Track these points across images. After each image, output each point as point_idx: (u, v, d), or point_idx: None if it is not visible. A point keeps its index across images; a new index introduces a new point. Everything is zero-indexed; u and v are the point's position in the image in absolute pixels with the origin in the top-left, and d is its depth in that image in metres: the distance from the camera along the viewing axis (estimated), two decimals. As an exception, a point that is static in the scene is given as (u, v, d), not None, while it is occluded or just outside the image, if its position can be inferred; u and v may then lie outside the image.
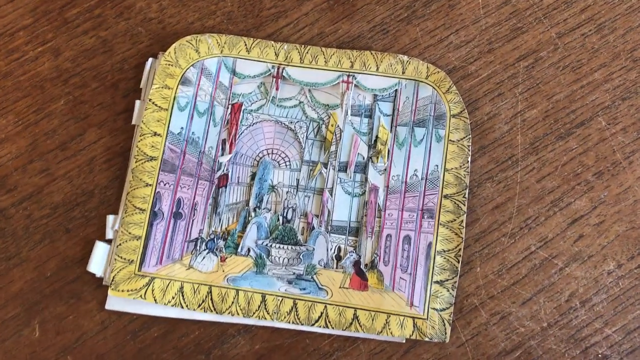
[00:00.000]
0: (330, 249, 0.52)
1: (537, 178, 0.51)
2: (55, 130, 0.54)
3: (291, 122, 0.55)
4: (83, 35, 0.55)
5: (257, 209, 0.54)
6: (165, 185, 0.52)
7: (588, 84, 0.52)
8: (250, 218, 0.53)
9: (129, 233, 0.52)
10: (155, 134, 0.53)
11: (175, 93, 0.54)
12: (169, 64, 0.54)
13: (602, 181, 0.49)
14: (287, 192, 0.54)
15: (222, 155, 0.54)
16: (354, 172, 0.54)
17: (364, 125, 0.55)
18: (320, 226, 0.53)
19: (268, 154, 0.55)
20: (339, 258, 0.52)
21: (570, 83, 0.52)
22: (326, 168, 0.54)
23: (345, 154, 0.54)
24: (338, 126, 0.55)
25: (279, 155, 0.55)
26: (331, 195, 0.54)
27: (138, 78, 0.55)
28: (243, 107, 0.55)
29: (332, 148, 0.54)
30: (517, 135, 0.52)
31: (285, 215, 0.54)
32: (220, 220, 0.53)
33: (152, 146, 0.53)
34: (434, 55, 0.55)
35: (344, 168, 0.54)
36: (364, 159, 0.54)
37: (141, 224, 0.52)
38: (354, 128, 0.55)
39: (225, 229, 0.53)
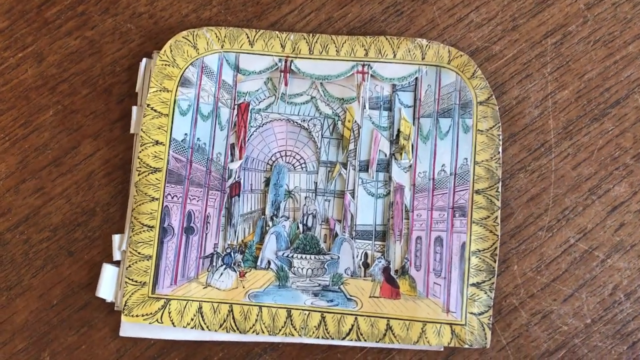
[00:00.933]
0: (357, 256, 0.50)
1: (572, 165, 0.49)
2: (46, 145, 0.51)
3: (304, 120, 0.52)
4: (67, 37, 0.51)
5: (274, 218, 0.51)
6: (173, 198, 0.49)
7: (622, 59, 0.49)
8: (267, 228, 0.51)
9: (138, 253, 0.49)
10: (157, 142, 0.50)
11: (175, 96, 0.50)
12: (165, 64, 0.50)
13: (641, 163, 0.51)
14: (305, 198, 0.51)
15: (232, 161, 0.51)
16: (377, 171, 0.51)
17: (383, 119, 0.52)
18: (344, 232, 0.50)
19: (281, 156, 0.52)
20: (366, 265, 0.50)
21: (603, 59, 0.49)
22: (346, 168, 0.51)
23: (366, 151, 0.51)
24: (355, 121, 0.51)
25: (294, 158, 0.52)
26: (353, 197, 0.51)
27: (132, 81, 0.52)
28: (250, 107, 0.52)
29: (351, 146, 0.51)
30: (548, 119, 0.49)
31: (305, 222, 0.51)
32: (235, 232, 0.51)
33: (155, 156, 0.49)
34: (454, 36, 0.51)
35: (365, 167, 0.51)
36: (386, 156, 0.51)
37: (150, 242, 0.49)
38: (373, 123, 0.51)
39: (242, 241, 0.51)
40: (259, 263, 0.50)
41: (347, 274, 0.50)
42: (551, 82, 0.49)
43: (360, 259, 0.50)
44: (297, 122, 0.52)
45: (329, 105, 0.52)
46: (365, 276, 0.50)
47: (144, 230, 0.49)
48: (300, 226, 0.51)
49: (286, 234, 0.51)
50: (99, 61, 0.51)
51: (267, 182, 0.52)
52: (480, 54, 0.51)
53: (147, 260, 0.48)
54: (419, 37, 0.51)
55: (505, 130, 0.51)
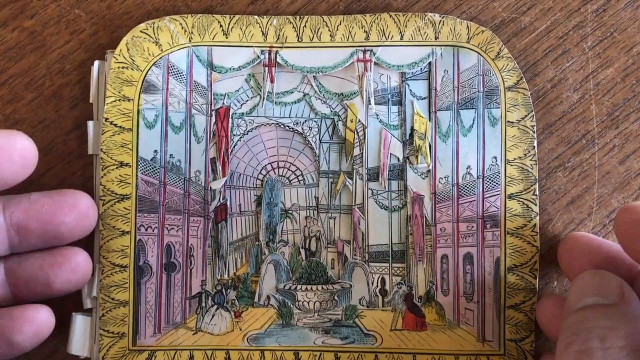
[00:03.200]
0: (372, 283, 0.44)
1: (619, 159, 0.42)
2: None
3: (297, 123, 0.45)
4: (1, 29, 0.43)
5: (270, 244, 0.45)
6: (147, 230, 0.43)
7: None
8: (263, 257, 0.44)
9: (112, 299, 0.43)
10: (121, 164, 0.43)
11: (139, 105, 0.43)
12: (122, 67, 0.43)
13: (702, 151, 0.48)
14: (305, 217, 0.45)
15: (215, 179, 0.44)
16: (389, 179, 0.44)
17: (393, 115, 0.45)
18: (355, 255, 0.44)
19: (273, 169, 0.45)
20: (384, 293, 0.44)
21: None
22: (352, 178, 0.45)
23: (374, 156, 0.44)
24: (359, 121, 0.45)
25: (288, 169, 0.45)
26: (363, 213, 0.45)
27: (86, 81, 0.44)
28: (231, 112, 0.44)
29: (356, 151, 0.44)
30: (590, 104, 0.43)
31: (307, 247, 0.45)
32: (225, 264, 0.44)
33: (121, 181, 0.43)
34: (473, 7, 0.44)
35: (374, 176, 0.45)
36: (399, 160, 0.45)
37: (125, 285, 0.43)
38: (380, 121, 0.44)
39: (234, 274, 0.44)
40: (256, 299, 0.44)
41: (363, 305, 0.44)
42: (593, 58, 0.42)
43: (377, 286, 0.44)
44: (288, 126, 0.45)
45: (326, 102, 0.45)
46: (384, 306, 0.44)
47: (115, 272, 0.42)
48: (302, 252, 0.45)
49: (286, 262, 0.44)
50: (43, 58, 0.44)
51: (258, 201, 0.45)
52: (507, 28, 0.44)
53: (123, 306, 0.43)
54: (431, 12, 0.43)
55: (538, 121, 0.44)
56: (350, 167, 0.45)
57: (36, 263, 0.40)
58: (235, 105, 0.45)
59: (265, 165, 0.45)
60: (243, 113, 0.45)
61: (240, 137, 0.44)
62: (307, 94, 0.45)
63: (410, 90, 0.44)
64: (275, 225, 0.45)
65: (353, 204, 0.45)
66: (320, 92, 0.44)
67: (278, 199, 0.44)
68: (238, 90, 0.44)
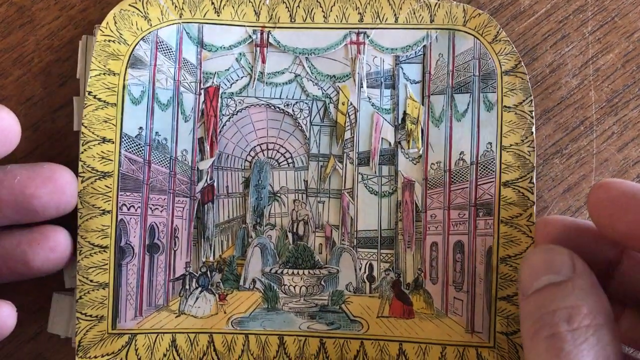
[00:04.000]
0: (360, 268, 0.41)
1: (618, 146, 0.40)
2: None
3: (287, 105, 0.41)
4: None
5: (257, 227, 0.41)
6: (129, 209, 0.39)
7: None
8: (250, 239, 0.41)
9: (90, 281, 0.39)
10: (104, 140, 0.39)
11: (124, 80, 0.39)
12: (109, 40, 0.39)
13: (701, 142, 0.42)
14: (294, 201, 0.42)
15: (202, 159, 0.41)
16: (380, 164, 0.41)
17: (385, 99, 0.41)
18: (344, 240, 0.41)
19: (262, 151, 0.42)
20: (372, 279, 0.41)
21: None
22: (342, 162, 0.42)
23: (365, 140, 0.41)
24: (351, 104, 0.41)
25: (278, 152, 0.42)
26: (352, 198, 0.41)
27: (75, 58, 0.41)
28: (221, 91, 0.41)
29: (347, 135, 0.41)
30: (589, 90, 0.40)
31: (295, 231, 0.41)
32: (211, 247, 0.41)
33: (103, 157, 0.39)
34: None
35: (365, 160, 0.42)
36: (390, 145, 0.42)
37: (105, 266, 0.39)
38: (372, 105, 0.41)
39: (220, 257, 0.41)
40: (241, 283, 0.41)
41: (350, 291, 0.41)
42: (593, 43, 0.40)
43: (365, 272, 0.41)
44: (279, 108, 0.42)
45: (318, 84, 0.42)
46: (371, 292, 0.41)
47: (95, 252, 0.39)
48: (290, 236, 0.41)
49: (273, 245, 0.41)
50: (32, 34, 0.42)
51: (246, 183, 0.42)
52: (506, 11, 0.41)
53: (103, 288, 0.39)
54: None
55: (536, 106, 0.41)
56: (341, 150, 0.42)
57: (14, 240, 0.37)
58: (225, 84, 0.42)
59: (255, 146, 0.42)
60: (233, 93, 0.42)
61: (230, 117, 0.41)
62: (299, 75, 0.41)
63: (404, 73, 0.41)
64: (263, 208, 0.42)
65: (343, 188, 0.42)
66: (312, 73, 0.41)
67: (266, 182, 0.42)
68: (228, 69, 0.41)
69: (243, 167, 0.42)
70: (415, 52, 0.41)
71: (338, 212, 0.42)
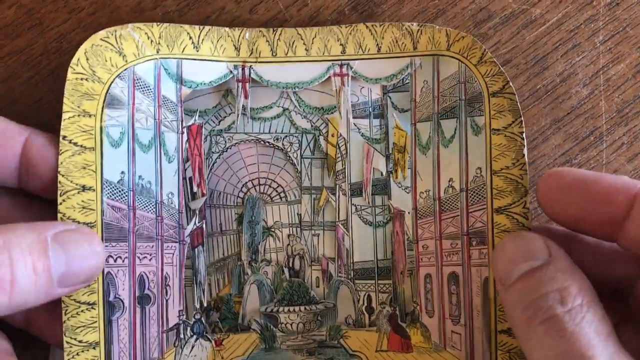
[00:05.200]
0: (358, 300, 0.38)
1: (627, 157, 0.38)
2: None
3: (277, 139, 0.39)
4: None
5: (253, 263, 0.38)
6: (116, 260, 0.34)
7: None
8: (246, 277, 0.38)
9: (79, 342, 0.33)
10: (84, 188, 0.33)
11: (102, 122, 0.34)
12: (82, 79, 0.34)
13: None
14: (288, 236, 0.39)
15: (194, 199, 0.37)
16: (373, 194, 0.39)
17: (375, 129, 0.38)
18: (340, 273, 0.38)
19: (254, 186, 0.39)
20: (371, 310, 0.38)
21: None
22: (334, 194, 0.39)
23: (357, 171, 0.39)
24: (341, 135, 0.38)
25: (270, 186, 0.39)
26: (347, 229, 0.38)
27: None
28: (209, 128, 0.38)
29: (338, 166, 0.39)
30: (599, 100, 0.38)
31: (291, 266, 0.38)
32: (204, 292, 0.37)
33: (84, 207, 0.33)
34: None
35: (358, 191, 0.39)
36: (382, 174, 0.39)
37: (94, 324, 0.33)
38: (362, 135, 0.38)
39: (217, 295, 0.37)
40: (240, 321, 0.37)
41: (349, 323, 0.38)
42: (604, 53, 0.39)
43: (363, 304, 0.38)
44: (269, 142, 0.39)
45: (307, 117, 0.39)
46: (368, 327, 0.38)
47: (82, 311, 0.33)
48: (286, 271, 0.38)
49: (269, 282, 0.38)
50: (41, 36, 0.39)
51: (239, 219, 0.39)
52: (517, 19, 0.39)
53: (93, 348, 0.33)
54: (411, 22, 0.38)
55: (546, 115, 0.39)
56: (333, 182, 0.39)
57: None
58: (214, 122, 0.38)
59: (246, 182, 0.39)
60: (222, 130, 0.38)
61: (220, 154, 0.38)
62: (287, 109, 0.39)
63: (392, 102, 0.39)
64: (258, 244, 0.39)
65: (337, 220, 0.39)
66: (300, 106, 0.39)
67: (260, 217, 0.39)
68: (216, 107, 0.38)
69: (235, 204, 0.39)
70: (402, 80, 0.38)
71: (333, 244, 0.39)
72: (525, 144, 0.36)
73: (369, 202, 0.39)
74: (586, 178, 0.30)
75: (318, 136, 0.39)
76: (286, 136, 0.39)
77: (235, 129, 0.38)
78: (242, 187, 0.39)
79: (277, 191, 0.40)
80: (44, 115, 0.38)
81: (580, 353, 0.27)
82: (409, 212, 0.38)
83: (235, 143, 0.39)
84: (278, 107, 0.39)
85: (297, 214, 0.40)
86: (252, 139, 0.39)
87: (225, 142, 0.39)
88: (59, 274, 0.29)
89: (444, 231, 0.37)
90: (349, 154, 0.39)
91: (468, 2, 0.39)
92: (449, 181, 0.37)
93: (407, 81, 0.38)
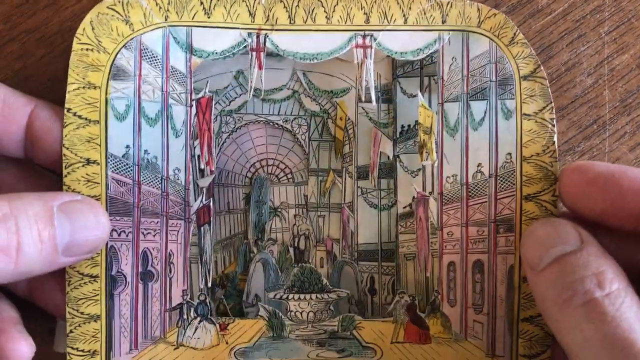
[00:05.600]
0: (361, 281, 0.37)
1: (630, 146, 0.38)
2: None
3: (286, 121, 0.38)
4: None
5: (259, 242, 0.37)
6: (120, 235, 0.33)
7: None
8: (252, 255, 0.37)
9: (81, 313, 0.32)
10: (88, 161, 0.32)
11: (107, 94, 0.32)
12: (87, 49, 0.32)
13: None
14: (294, 216, 0.38)
15: (203, 177, 0.36)
16: (378, 177, 0.38)
17: (382, 113, 0.37)
18: (345, 254, 0.37)
19: (262, 167, 0.38)
20: (373, 291, 0.37)
21: None
22: (341, 176, 0.38)
23: (364, 155, 0.38)
24: (349, 119, 0.37)
25: (277, 167, 0.39)
26: (352, 212, 0.38)
27: None
28: (220, 109, 0.36)
29: (345, 149, 0.37)
30: (603, 90, 0.38)
31: (296, 245, 0.37)
32: (209, 271, 0.35)
33: (88, 180, 0.32)
34: None
35: (364, 174, 0.37)
36: (389, 158, 0.37)
37: (96, 297, 0.32)
38: (370, 119, 0.37)
39: (223, 272, 0.37)
40: (244, 298, 0.36)
41: (352, 303, 0.37)
42: (609, 43, 0.38)
43: (367, 285, 0.37)
44: (278, 124, 0.38)
45: (316, 100, 0.37)
46: (373, 305, 0.36)
47: (85, 283, 0.32)
48: (291, 250, 0.38)
49: (274, 260, 0.37)
50: (55, 15, 0.38)
51: (247, 199, 0.38)
52: (523, 9, 0.38)
53: (95, 321, 0.32)
54: None
55: None
56: (340, 165, 0.38)
57: None
58: (224, 102, 0.37)
59: (254, 163, 0.39)
60: (232, 110, 0.38)
61: (229, 135, 0.38)
62: (297, 91, 0.38)
63: (401, 87, 0.37)
64: (264, 223, 0.38)
65: (342, 202, 0.38)
66: (309, 89, 0.37)
67: (267, 197, 0.39)
68: (227, 87, 0.37)
69: (243, 184, 0.38)
70: (430, 56, 0.35)
71: (338, 226, 0.38)
72: (556, 131, 0.34)
73: (374, 185, 0.38)
74: (613, 172, 0.30)
75: (327, 119, 0.38)
76: (295, 118, 0.39)
77: (245, 110, 0.37)
78: (250, 167, 0.39)
79: (284, 172, 0.39)
80: (57, 92, 0.37)
81: (623, 337, 0.26)
82: (434, 198, 0.35)
83: (245, 124, 0.38)
84: (288, 89, 0.38)
85: (304, 195, 0.39)
86: (262, 120, 0.38)
87: (235, 122, 0.38)
88: (64, 243, 0.29)
89: (471, 218, 0.35)
90: (357, 137, 0.38)
91: (472, -8, 0.36)
92: (478, 166, 0.35)
93: (434, 59, 0.35)
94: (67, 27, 0.38)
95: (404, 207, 0.38)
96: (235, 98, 0.37)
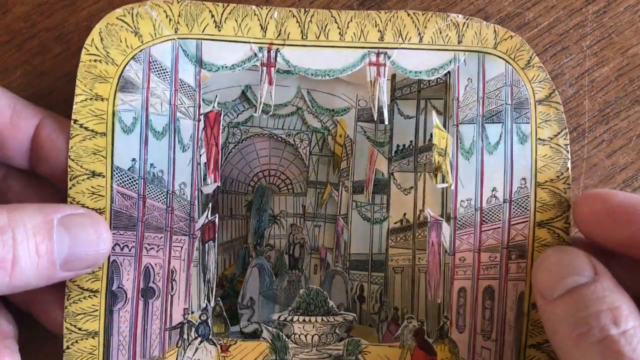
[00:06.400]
0: (351, 289, 0.38)
1: (607, 153, 0.40)
2: None
3: (289, 135, 0.39)
4: None
5: (258, 247, 0.38)
6: (122, 249, 0.32)
7: None
8: (250, 259, 0.38)
9: (79, 329, 0.31)
10: (94, 174, 0.31)
11: (114, 106, 0.31)
12: (95, 60, 0.31)
13: (685, 154, 0.38)
14: (291, 225, 0.39)
15: (207, 184, 0.35)
16: (373, 192, 0.39)
17: (379, 132, 0.38)
18: (337, 262, 0.38)
19: (264, 176, 0.39)
20: (362, 299, 0.38)
21: None
22: (337, 190, 0.39)
23: (360, 171, 0.39)
24: (348, 136, 0.38)
25: (279, 178, 0.41)
26: (346, 223, 0.38)
27: None
28: (227, 120, 0.36)
29: (343, 165, 0.39)
30: (584, 99, 0.40)
31: (291, 253, 0.39)
32: (212, 290, 0.34)
33: (93, 193, 0.31)
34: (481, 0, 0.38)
35: (359, 189, 0.38)
36: (384, 175, 0.38)
37: (95, 312, 0.31)
38: (367, 137, 0.38)
39: (223, 273, 0.38)
40: (239, 300, 0.37)
41: (340, 310, 0.37)
42: (590, 56, 0.40)
43: (356, 292, 0.38)
44: (281, 137, 0.38)
45: (318, 117, 0.38)
46: (361, 312, 0.37)
47: (84, 297, 0.31)
48: (286, 257, 0.38)
49: (270, 265, 0.38)
50: (72, 15, 0.40)
51: (248, 206, 0.39)
52: (511, 22, 0.39)
53: (92, 337, 0.31)
54: (441, 5, 0.35)
55: None
56: (337, 179, 0.39)
57: None
58: (232, 115, 0.37)
59: (257, 172, 0.40)
60: (239, 122, 0.38)
61: (235, 145, 0.38)
62: (300, 108, 0.38)
63: (398, 109, 0.37)
64: (264, 230, 0.39)
65: (337, 214, 0.39)
66: (312, 107, 0.38)
67: (267, 205, 0.40)
68: (235, 100, 0.37)
69: (246, 192, 0.39)
70: (441, 78, 0.35)
71: (333, 236, 0.40)
72: (570, 157, 0.34)
73: (369, 200, 0.39)
74: (634, 203, 0.29)
75: (327, 135, 0.39)
76: (297, 133, 0.40)
77: (252, 123, 0.38)
78: (253, 177, 0.40)
79: (285, 183, 0.41)
80: (72, 87, 0.37)
81: None
82: (447, 222, 0.34)
83: (251, 136, 0.39)
84: (292, 105, 0.38)
85: (302, 205, 0.41)
86: (266, 133, 0.39)
87: (242, 134, 0.39)
88: (62, 257, 0.28)
89: (484, 243, 0.33)
90: (354, 154, 0.38)
91: (467, 4, 0.39)
92: (493, 190, 0.33)
93: (443, 77, 0.34)
94: (83, 27, 0.39)
95: (395, 223, 0.38)
96: (243, 111, 0.38)
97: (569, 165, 0.33)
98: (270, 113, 0.35)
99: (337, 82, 0.35)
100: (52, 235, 0.27)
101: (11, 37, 0.40)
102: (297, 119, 0.40)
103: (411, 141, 0.37)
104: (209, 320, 0.33)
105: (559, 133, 0.33)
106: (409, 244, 0.37)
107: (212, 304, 0.34)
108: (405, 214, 0.38)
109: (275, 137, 0.40)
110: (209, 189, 0.35)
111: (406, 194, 0.38)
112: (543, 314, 0.29)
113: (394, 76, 0.37)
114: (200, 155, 0.34)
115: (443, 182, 0.34)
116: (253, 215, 0.40)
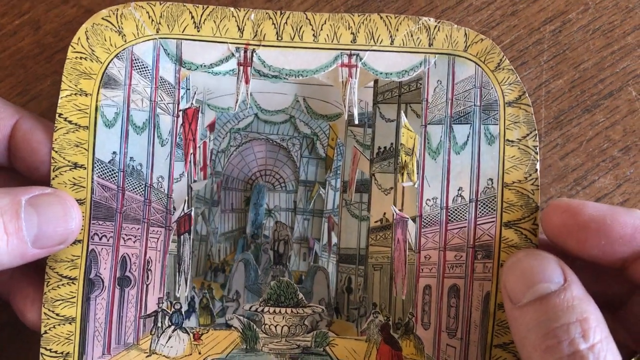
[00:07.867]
0: (340, 280, 0.38)
1: (560, 155, 0.42)
2: (44, 115, 0.38)
3: (283, 140, 0.41)
4: (63, 5, 0.42)
5: (254, 237, 0.41)
6: (101, 239, 0.32)
7: (620, 50, 0.43)
8: (248, 249, 0.41)
9: (57, 315, 0.31)
10: (75, 165, 0.32)
11: (97, 101, 0.32)
12: (80, 57, 0.32)
13: (628, 157, 0.44)
14: (276, 222, 0.40)
15: (196, 180, 0.37)
16: (357, 191, 0.40)
17: (367, 137, 0.39)
18: (325, 252, 0.40)
19: (261, 175, 0.42)
20: (350, 290, 0.38)
21: (600, 49, 0.43)
22: (324, 188, 0.40)
23: (348, 171, 0.40)
24: (339, 139, 0.39)
25: (273, 177, 0.45)
26: (337, 220, 0.40)
27: None
28: (230, 127, 0.40)
29: (334, 165, 0.40)
30: (540, 108, 0.42)
31: (276, 249, 0.40)
32: (186, 280, 0.34)
33: (75, 184, 0.31)
34: (452, 19, 0.40)
35: (346, 188, 0.39)
36: (364, 176, 0.39)
37: (73, 299, 0.31)
38: (357, 141, 0.38)
39: (224, 259, 0.40)
40: (225, 293, 0.38)
41: (322, 305, 0.37)
42: (546, 70, 0.43)
43: (344, 284, 0.38)
44: (276, 142, 0.41)
45: (308, 124, 0.42)
46: (359, 335, 0.35)
47: (63, 284, 0.31)
48: (271, 253, 0.39)
49: (254, 261, 0.40)
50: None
51: (247, 201, 0.43)
52: None
53: (70, 323, 0.31)
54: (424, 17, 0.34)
55: None
56: (323, 178, 0.40)
57: None
58: (234, 121, 0.41)
59: (255, 172, 0.44)
60: (240, 128, 0.42)
61: (236, 148, 0.43)
62: (293, 117, 0.40)
63: (380, 112, 0.37)
64: (261, 222, 0.43)
65: (324, 209, 0.42)
66: (307, 112, 0.39)
67: (263, 201, 0.43)
68: (229, 108, 0.40)
69: (245, 189, 0.43)
70: (415, 79, 0.34)
71: (320, 228, 0.42)
72: (539, 159, 0.33)
73: (352, 199, 0.40)
74: (604, 216, 0.29)
75: (316, 141, 0.42)
76: (290, 138, 0.43)
77: (251, 128, 0.43)
78: (251, 176, 0.44)
79: (279, 181, 0.45)
80: None
81: None
82: (413, 220, 0.34)
83: (249, 140, 0.43)
84: (286, 114, 0.41)
85: (293, 201, 0.44)
86: (263, 138, 0.43)
87: (242, 138, 0.43)
88: (32, 235, 0.28)
89: (449, 242, 0.32)
90: (345, 156, 0.39)
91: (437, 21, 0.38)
92: (459, 190, 0.32)
93: (419, 85, 0.34)
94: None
95: (375, 222, 0.38)
96: (243, 118, 0.42)
97: (538, 167, 0.32)
98: (261, 116, 0.40)
99: (330, 90, 0.35)
100: (20, 214, 0.27)
101: (42, 50, 0.43)
102: (290, 126, 0.43)
103: (392, 143, 0.37)
104: (183, 309, 0.34)
105: (527, 134, 0.32)
106: (388, 242, 0.36)
107: (187, 293, 0.35)
108: (385, 214, 0.37)
109: (271, 141, 0.43)
110: (198, 185, 0.36)
111: (386, 194, 0.38)
112: (511, 318, 0.28)
113: (376, 81, 0.36)
114: (174, 154, 0.35)
115: (409, 180, 0.34)
116: (251, 209, 0.43)
